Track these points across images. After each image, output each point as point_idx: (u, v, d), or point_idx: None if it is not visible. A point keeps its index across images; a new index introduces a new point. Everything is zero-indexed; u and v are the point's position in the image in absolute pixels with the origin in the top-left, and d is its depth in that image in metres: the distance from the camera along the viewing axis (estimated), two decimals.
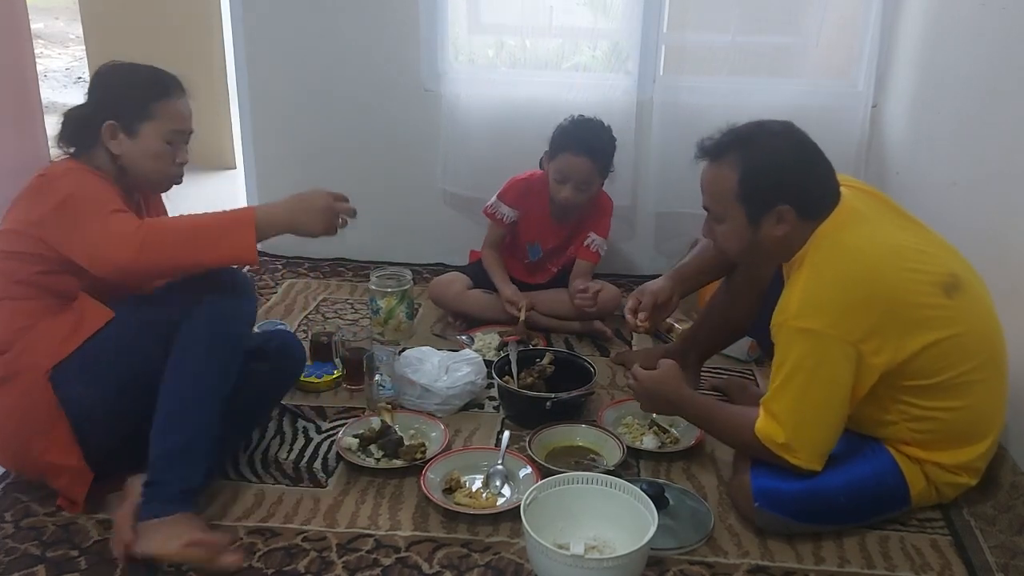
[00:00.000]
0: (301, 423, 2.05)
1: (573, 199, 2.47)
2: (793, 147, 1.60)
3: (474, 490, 1.77)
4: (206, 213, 1.64)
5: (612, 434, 1.95)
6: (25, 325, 1.64)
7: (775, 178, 1.59)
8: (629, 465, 1.89)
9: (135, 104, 1.71)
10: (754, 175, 1.59)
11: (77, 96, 6.75)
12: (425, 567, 1.57)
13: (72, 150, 1.73)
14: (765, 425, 1.60)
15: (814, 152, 1.62)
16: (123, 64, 1.77)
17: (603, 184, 2.54)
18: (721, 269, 2.08)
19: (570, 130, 2.48)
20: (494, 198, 2.62)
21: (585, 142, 2.44)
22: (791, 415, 1.57)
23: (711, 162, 1.65)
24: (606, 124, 2.51)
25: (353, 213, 1.73)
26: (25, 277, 1.65)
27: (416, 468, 1.83)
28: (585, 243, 2.61)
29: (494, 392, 2.18)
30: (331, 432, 1.99)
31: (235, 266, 1.73)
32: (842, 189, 1.65)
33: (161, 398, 1.60)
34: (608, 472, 1.72)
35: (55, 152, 1.79)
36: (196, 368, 1.61)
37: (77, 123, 1.73)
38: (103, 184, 1.67)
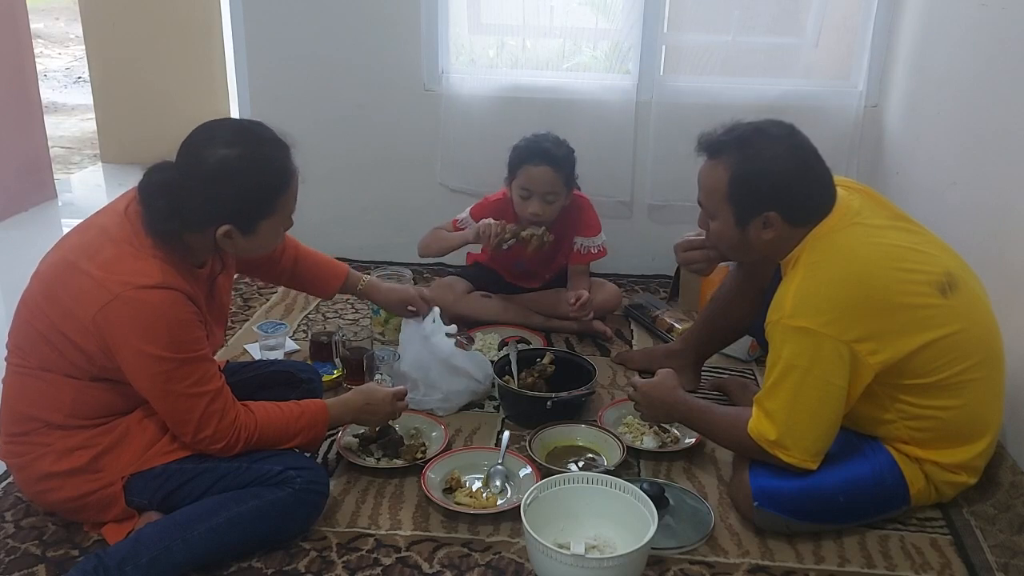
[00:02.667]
0: None
1: (542, 213, 2.42)
2: (789, 154, 1.60)
3: (474, 490, 1.77)
4: (287, 409, 1.64)
5: (612, 434, 1.95)
6: (115, 410, 1.58)
7: (764, 184, 1.60)
8: (629, 465, 1.90)
9: (258, 206, 1.54)
10: (744, 179, 1.60)
11: (77, 95, 6.72)
12: (425, 567, 1.58)
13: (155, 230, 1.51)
14: (758, 423, 1.61)
15: (810, 159, 1.62)
16: (239, 155, 1.50)
17: (569, 195, 2.48)
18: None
19: (526, 146, 2.45)
20: (466, 212, 2.57)
21: (543, 151, 2.41)
22: (784, 413, 1.58)
23: (708, 158, 1.66)
24: (562, 139, 2.48)
25: (406, 407, 1.90)
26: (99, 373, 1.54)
27: (416, 468, 1.83)
28: (576, 249, 2.59)
29: (494, 392, 2.17)
30: (331, 432, 1.98)
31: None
32: (838, 190, 1.65)
33: (183, 511, 1.54)
34: (608, 472, 1.72)
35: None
36: (225, 523, 1.53)
37: (176, 218, 1.50)
38: (196, 324, 1.53)
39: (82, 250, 1.53)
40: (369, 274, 2.25)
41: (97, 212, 1.61)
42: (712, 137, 1.65)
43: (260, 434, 1.59)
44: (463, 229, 2.54)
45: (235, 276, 1.90)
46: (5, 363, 1.60)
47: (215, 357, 1.63)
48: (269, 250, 1.73)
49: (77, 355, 1.51)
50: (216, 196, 1.50)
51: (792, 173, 1.60)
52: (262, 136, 1.56)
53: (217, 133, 1.53)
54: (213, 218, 1.52)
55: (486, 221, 2.43)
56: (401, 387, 1.88)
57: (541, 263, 2.65)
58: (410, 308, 2.17)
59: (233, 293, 2.27)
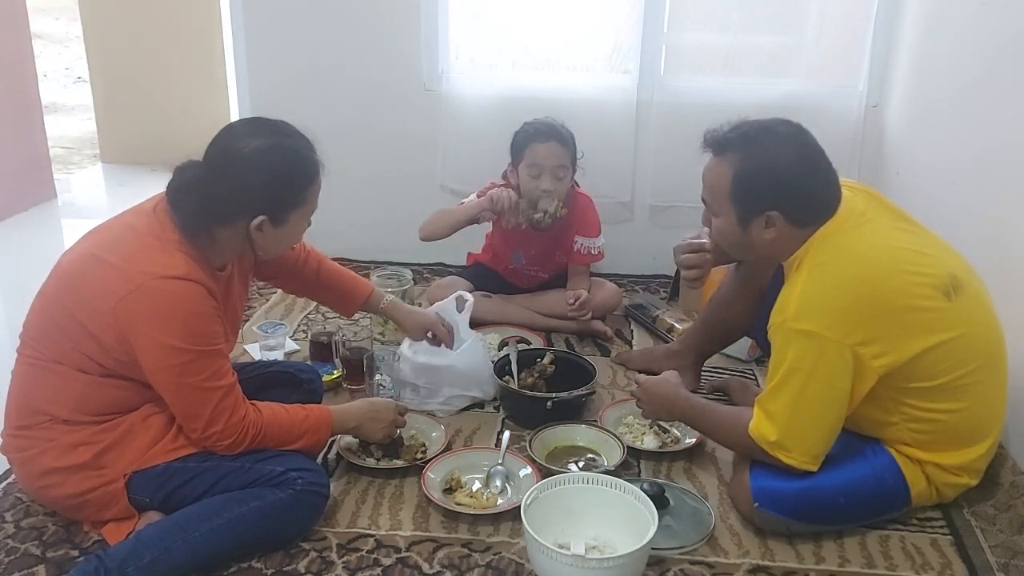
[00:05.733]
0: None
1: (554, 188, 2.43)
2: (794, 155, 1.58)
3: (474, 490, 1.77)
4: (292, 411, 1.65)
5: (612, 434, 1.94)
6: (120, 408, 1.58)
7: (767, 184, 1.58)
8: (630, 465, 1.89)
9: (290, 195, 1.58)
10: (747, 178, 1.59)
11: (77, 95, 6.73)
12: (425, 567, 1.57)
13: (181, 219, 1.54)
14: (759, 424, 1.60)
15: (816, 160, 1.60)
16: (271, 145, 1.54)
17: (574, 175, 2.51)
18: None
19: (529, 127, 2.48)
20: (472, 196, 2.56)
21: (550, 127, 2.45)
22: (785, 415, 1.57)
23: (713, 155, 1.64)
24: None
25: (404, 424, 1.89)
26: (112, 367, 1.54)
27: (416, 468, 1.83)
28: (576, 248, 2.59)
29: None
30: None
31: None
32: (842, 191, 1.65)
33: (184, 511, 1.55)
34: (608, 472, 1.72)
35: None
36: (226, 524, 1.53)
37: (208, 212, 1.53)
38: (215, 318, 1.54)
39: (106, 244, 1.55)
40: (369, 274, 2.24)
41: (123, 212, 1.63)
42: (718, 134, 1.64)
43: (265, 433, 1.59)
44: None
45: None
46: (17, 354, 1.60)
47: None
48: (293, 245, 1.75)
49: (92, 347, 1.51)
50: (250, 185, 1.53)
51: (797, 174, 1.58)
52: (289, 131, 1.61)
53: (245, 129, 1.58)
54: (246, 209, 1.54)
55: (499, 190, 2.44)
56: (403, 404, 1.89)
57: (538, 261, 2.64)
58: (429, 335, 2.14)
59: None
